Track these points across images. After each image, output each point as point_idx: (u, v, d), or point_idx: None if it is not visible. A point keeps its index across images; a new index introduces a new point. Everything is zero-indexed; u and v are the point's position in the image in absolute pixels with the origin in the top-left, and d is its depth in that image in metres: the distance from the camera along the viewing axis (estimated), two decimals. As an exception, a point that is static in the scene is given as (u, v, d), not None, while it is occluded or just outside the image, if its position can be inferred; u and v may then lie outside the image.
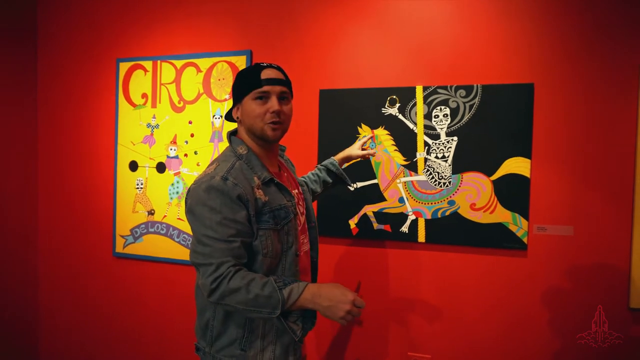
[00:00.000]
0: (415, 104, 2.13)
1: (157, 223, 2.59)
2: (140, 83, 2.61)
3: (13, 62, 2.75)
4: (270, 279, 1.27)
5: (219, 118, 2.45)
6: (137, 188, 2.63)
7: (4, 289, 2.74)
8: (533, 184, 2.00)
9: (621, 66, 1.89)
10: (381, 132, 2.18)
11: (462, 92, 2.06)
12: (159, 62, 2.56)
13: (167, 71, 2.54)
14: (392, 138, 2.17)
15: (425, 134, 2.12)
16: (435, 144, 2.11)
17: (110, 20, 2.70)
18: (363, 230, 2.22)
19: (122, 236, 2.68)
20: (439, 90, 2.09)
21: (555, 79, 1.97)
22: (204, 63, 2.46)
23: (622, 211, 1.90)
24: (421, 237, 2.14)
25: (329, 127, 2.26)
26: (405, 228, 2.16)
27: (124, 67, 2.64)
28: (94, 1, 2.73)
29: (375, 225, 2.20)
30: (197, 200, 1.30)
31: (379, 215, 2.19)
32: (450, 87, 2.08)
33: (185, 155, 2.52)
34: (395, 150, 2.17)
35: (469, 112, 2.06)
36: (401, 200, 2.16)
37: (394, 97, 2.16)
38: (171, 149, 2.55)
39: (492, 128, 2.03)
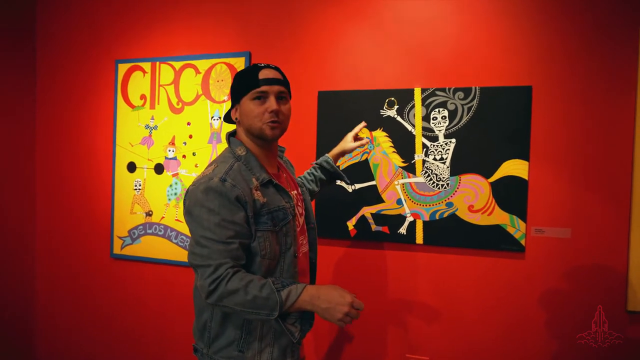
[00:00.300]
0: (413, 106, 2.14)
1: (155, 224, 2.59)
2: (138, 84, 2.61)
3: (12, 63, 2.75)
4: (268, 281, 1.27)
5: (217, 119, 2.45)
6: (135, 189, 2.63)
7: (1, 290, 2.74)
8: (531, 186, 2.00)
9: (619, 68, 1.90)
10: (379, 134, 2.18)
11: (461, 94, 2.07)
12: (157, 63, 2.56)
13: (165, 72, 2.55)
14: (390, 140, 2.17)
15: (424, 136, 2.13)
16: (434, 146, 2.11)
17: (109, 22, 2.70)
18: (361, 231, 2.22)
19: (120, 237, 2.67)
20: (438, 93, 2.10)
21: (553, 81, 1.97)
22: (203, 64, 2.47)
23: (620, 213, 1.91)
24: (419, 238, 2.14)
25: (328, 128, 2.26)
26: (403, 230, 2.16)
27: (122, 68, 2.64)
28: (93, 2, 2.74)
29: (374, 227, 2.20)
30: (195, 201, 1.30)
31: (377, 216, 2.20)
32: (449, 89, 2.08)
33: (184, 156, 2.52)
34: (394, 152, 2.17)
35: (467, 114, 2.06)
36: (399, 202, 2.16)
37: (393, 99, 2.17)
38: (169, 150, 2.55)
39: (490, 130, 2.03)
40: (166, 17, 2.57)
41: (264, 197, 1.35)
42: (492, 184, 2.03)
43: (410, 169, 2.15)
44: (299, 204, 1.53)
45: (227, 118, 1.52)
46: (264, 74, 1.38)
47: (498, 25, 2.04)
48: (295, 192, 1.55)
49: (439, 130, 2.10)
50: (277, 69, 1.42)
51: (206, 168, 1.41)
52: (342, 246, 2.29)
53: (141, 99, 2.61)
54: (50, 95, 2.85)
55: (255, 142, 1.43)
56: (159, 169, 2.58)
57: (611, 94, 1.91)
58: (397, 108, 2.16)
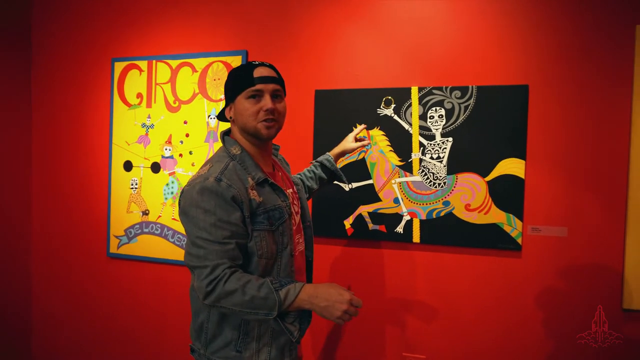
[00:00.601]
0: (410, 105, 2.13)
1: (152, 223, 2.58)
2: (135, 83, 2.60)
3: (7, 61, 2.73)
4: (266, 280, 1.27)
5: (214, 118, 2.44)
6: (132, 188, 2.62)
7: (-3, 289, 2.73)
8: (527, 185, 2.00)
9: (615, 67, 1.90)
10: (376, 133, 2.18)
11: (458, 93, 2.07)
12: (154, 61, 2.56)
13: (162, 71, 2.54)
14: (387, 139, 2.17)
15: (421, 134, 2.13)
16: (431, 144, 2.11)
17: (105, 20, 2.69)
18: (358, 230, 2.22)
19: (117, 236, 2.67)
20: (434, 91, 2.10)
21: (549, 80, 1.98)
22: (200, 63, 2.46)
23: (616, 212, 1.91)
24: (416, 237, 2.14)
25: (325, 127, 2.26)
26: (400, 228, 2.16)
27: (119, 66, 2.63)
28: (89, 0, 2.72)
29: (370, 226, 2.20)
30: (190, 201, 1.29)
31: (374, 215, 2.20)
32: (446, 88, 2.08)
33: (180, 155, 2.52)
34: (391, 150, 2.17)
35: (464, 113, 2.06)
36: (396, 200, 2.16)
37: (390, 97, 2.16)
38: (166, 149, 2.55)
39: (487, 129, 2.03)
40: (163, 15, 2.56)
41: (259, 197, 1.35)
42: (489, 183, 2.04)
43: (407, 167, 2.15)
44: (295, 202, 1.53)
45: (222, 116, 1.51)
46: (258, 72, 1.37)
47: (495, 24, 2.04)
48: (291, 190, 1.54)
49: (436, 129, 2.11)
50: (271, 66, 1.42)
51: (201, 168, 1.40)
52: (339, 245, 2.29)
53: (137, 97, 2.60)
54: (46, 93, 2.83)
55: (250, 141, 1.43)
56: (155, 167, 2.57)
57: (607, 93, 1.91)
58: (394, 107, 2.16)
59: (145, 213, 2.59)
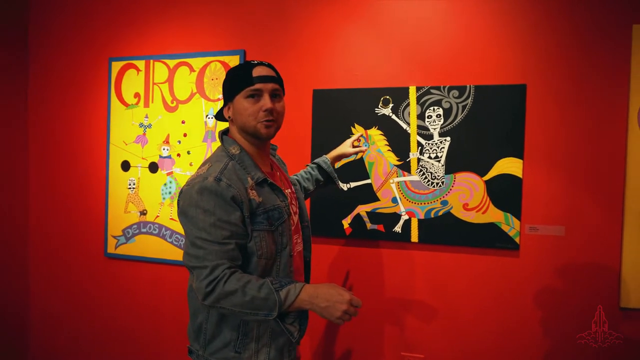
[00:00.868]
0: (408, 105, 2.14)
1: (150, 223, 2.58)
2: (132, 82, 2.59)
3: (4, 61, 2.72)
4: (266, 281, 1.26)
5: (212, 118, 2.44)
6: (130, 188, 2.62)
7: (-6, 289, 2.72)
8: (525, 184, 2.01)
9: (612, 66, 1.91)
10: (374, 133, 2.18)
11: (455, 92, 2.07)
12: (151, 61, 2.55)
13: (159, 71, 2.53)
14: (385, 138, 2.17)
15: (419, 134, 2.13)
16: (428, 144, 2.12)
17: (102, 19, 2.68)
18: (356, 230, 2.22)
19: (114, 236, 2.66)
20: (432, 91, 2.10)
21: (547, 79, 1.98)
22: (197, 63, 2.45)
23: (613, 211, 1.92)
24: (414, 237, 2.14)
25: (322, 127, 2.26)
26: (398, 228, 2.16)
27: (116, 66, 2.62)
28: (86, 0, 2.71)
29: (369, 225, 2.20)
30: (189, 201, 1.28)
31: (372, 215, 2.20)
32: (444, 87, 2.09)
33: (178, 155, 2.51)
34: (389, 150, 2.17)
35: (461, 113, 2.07)
36: (394, 200, 2.17)
37: (387, 97, 2.16)
38: (164, 149, 2.54)
39: (485, 128, 2.04)
40: (160, 15, 2.55)
41: (259, 197, 1.34)
42: (487, 182, 2.04)
43: (405, 167, 2.15)
44: (293, 202, 1.53)
45: (219, 116, 1.50)
46: (257, 72, 1.36)
47: (492, 23, 2.04)
48: (289, 190, 1.54)
49: (434, 129, 2.11)
50: (270, 65, 1.41)
51: (200, 168, 1.39)
52: (337, 245, 2.29)
53: (135, 97, 2.59)
54: (44, 93, 2.82)
55: (249, 141, 1.42)
56: (153, 167, 2.57)
57: (605, 92, 1.92)
58: (392, 106, 2.16)
59: (143, 213, 2.59)
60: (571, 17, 1.95)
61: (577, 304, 1.96)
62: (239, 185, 1.31)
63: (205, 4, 2.46)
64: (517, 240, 2.01)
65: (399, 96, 2.15)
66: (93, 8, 2.70)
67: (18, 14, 2.80)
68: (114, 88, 2.63)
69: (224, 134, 1.48)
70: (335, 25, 2.25)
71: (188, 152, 2.49)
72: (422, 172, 2.13)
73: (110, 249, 2.67)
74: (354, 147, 2.04)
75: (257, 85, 1.35)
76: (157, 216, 2.56)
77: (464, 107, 2.06)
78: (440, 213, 2.10)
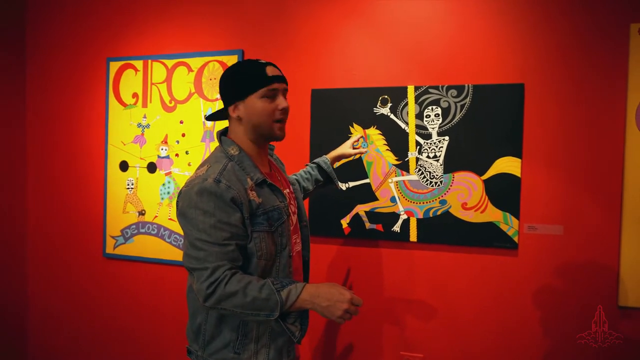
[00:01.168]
0: (406, 104, 2.14)
1: (148, 223, 2.58)
2: (130, 82, 2.59)
3: (2, 61, 2.72)
4: (267, 281, 1.26)
5: (207, 120, 2.43)
6: (128, 188, 2.61)
7: (-8, 290, 2.72)
8: (524, 183, 2.01)
9: (610, 66, 1.91)
10: (373, 132, 2.18)
11: (454, 92, 2.07)
12: (149, 61, 2.55)
13: (158, 71, 2.53)
14: (383, 138, 2.17)
15: (417, 133, 2.13)
16: (427, 143, 2.12)
17: (100, 20, 2.67)
18: (355, 229, 2.23)
19: (113, 237, 2.66)
20: (431, 90, 2.10)
21: (545, 79, 1.98)
22: (195, 62, 2.45)
23: (611, 210, 1.92)
24: (413, 236, 2.14)
25: (321, 127, 2.26)
26: (397, 227, 2.16)
27: (114, 66, 2.62)
28: (84, 0, 2.70)
29: (367, 225, 2.20)
30: (189, 203, 1.28)
31: (371, 214, 2.20)
32: (442, 87, 2.09)
33: (177, 155, 2.51)
34: (387, 149, 2.17)
35: (460, 112, 2.07)
36: (393, 199, 2.17)
37: (386, 96, 2.16)
38: (162, 149, 2.54)
39: (483, 128, 2.04)
40: (158, 14, 2.55)
41: (259, 198, 1.34)
42: (485, 182, 2.04)
43: (403, 166, 2.15)
44: (292, 202, 1.53)
45: (215, 117, 1.48)
46: (271, 71, 1.36)
47: (491, 23, 2.04)
48: (288, 190, 1.54)
49: (432, 128, 2.11)
50: (276, 66, 1.42)
51: (198, 169, 1.38)
52: (336, 244, 2.29)
53: (133, 97, 2.59)
54: (42, 93, 2.82)
55: (255, 141, 1.41)
56: (151, 167, 2.57)
57: (603, 91, 1.92)
58: (391, 106, 2.16)
59: (142, 213, 2.59)
60: (569, 16, 1.95)
61: (576, 304, 1.97)
62: (239, 186, 1.30)
63: (203, 3, 2.45)
64: (515, 239, 2.01)
65: (397, 96, 2.15)
66: (91, 8, 2.69)
67: (16, 14, 2.79)
68: (112, 88, 2.62)
69: (222, 134, 1.46)
70: (334, 25, 2.25)
71: (186, 152, 2.49)
72: (420, 172, 2.13)
73: (109, 249, 2.67)
74: (353, 148, 2.06)
75: (275, 85, 1.35)
76: (156, 216, 2.56)
77: (462, 106, 2.06)
78: (439, 212, 2.10)
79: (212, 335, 1.36)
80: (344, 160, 2.19)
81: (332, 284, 1.30)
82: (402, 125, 2.15)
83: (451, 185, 2.09)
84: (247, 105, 1.37)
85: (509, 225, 2.01)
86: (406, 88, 2.13)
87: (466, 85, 2.06)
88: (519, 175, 2.00)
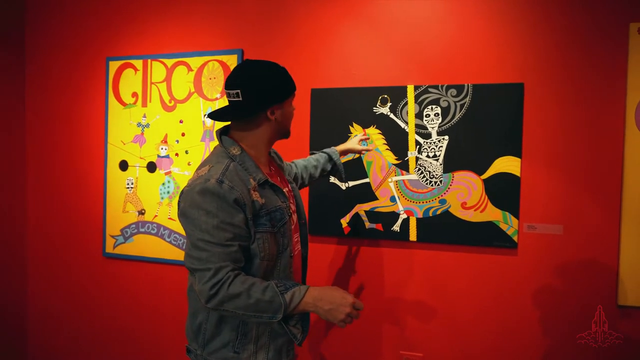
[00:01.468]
0: (406, 103, 2.14)
1: (148, 223, 2.58)
2: (130, 82, 2.59)
3: (2, 61, 2.71)
4: (271, 283, 1.26)
5: (208, 118, 2.43)
6: (128, 188, 2.61)
7: (-8, 290, 2.72)
8: (523, 182, 2.01)
9: (610, 65, 1.91)
10: (373, 132, 2.18)
11: (453, 91, 2.07)
12: (149, 61, 2.55)
13: (157, 70, 2.53)
14: (383, 137, 2.17)
15: (417, 133, 2.13)
16: (427, 143, 2.12)
17: (100, 19, 2.67)
18: (355, 229, 2.23)
19: (113, 236, 2.66)
20: (430, 90, 2.10)
21: (544, 78, 1.98)
22: (195, 62, 2.45)
23: (611, 209, 1.92)
24: (412, 236, 2.14)
25: (321, 126, 2.26)
26: (396, 227, 2.16)
27: (113, 65, 2.62)
28: (83, 0, 2.71)
29: (367, 224, 2.20)
30: (191, 203, 1.27)
31: (371, 214, 2.20)
32: (441, 86, 2.09)
33: (176, 154, 2.51)
34: (387, 149, 2.17)
35: (459, 112, 2.07)
36: (393, 199, 2.17)
37: (386, 96, 2.16)
38: (162, 149, 2.54)
39: (483, 127, 2.04)
40: (158, 14, 2.55)
41: (262, 198, 1.33)
42: (485, 181, 2.04)
43: (403, 166, 2.15)
44: (291, 200, 1.53)
45: (218, 116, 1.40)
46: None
47: (490, 22, 2.04)
48: (287, 189, 1.53)
49: (432, 128, 2.11)
50: None
51: (200, 168, 1.36)
52: (335, 244, 2.29)
53: (133, 96, 2.59)
54: (41, 93, 2.82)
55: (272, 142, 1.47)
56: (151, 167, 2.57)
57: (602, 91, 1.92)
58: (390, 105, 2.16)
59: (142, 213, 2.59)
60: (568, 16, 1.95)
61: (577, 303, 1.97)
62: (242, 187, 1.29)
63: (203, 3, 2.46)
64: (515, 238, 2.01)
65: (397, 95, 2.15)
66: (90, 8, 2.69)
67: (15, 14, 2.79)
68: (112, 87, 2.62)
69: (222, 133, 1.44)
70: (333, 24, 2.25)
71: (186, 152, 2.49)
72: (420, 171, 2.13)
73: (109, 249, 2.67)
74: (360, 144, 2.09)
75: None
76: (156, 216, 2.56)
77: (462, 105, 2.06)
78: (439, 212, 2.10)
79: (212, 334, 1.36)
80: (348, 157, 2.20)
81: (335, 287, 1.31)
82: (402, 125, 2.15)
83: (451, 185, 2.09)
84: (283, 108, 1.41)
85: (509, 224, 2.01)
86: (406, 87, 2.13)
87: (466, 84, 2.06)
88: (518, 174, 2.00)
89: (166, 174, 2.53)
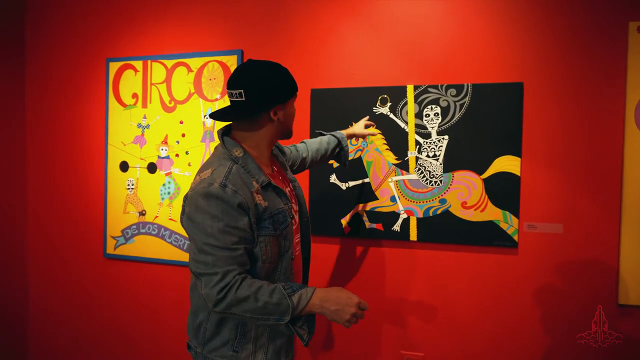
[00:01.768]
0: (406, 103, 2.14)
1: (149, 224, 2.58)
2: (130, 83, 2.59)
3: (1, 62, 2.72)
4: (278, 286, 1.27)
5: (210, 118, 2.43)
6: (128, 189, 2.62)
7: (-7, 291, 2.72)
8: (523, 182, 2.01)
9: (609, 64, 1.91)
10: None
11: (453, 91, 2.08)
12: (149, 61, 2.55)
13: (157, 71, 2.53)
14: (383, 137, 2.18)
15: (417, 132, 2.13)
16: (427, 142, 2.12)
17: (100, 20, 2.67)
18: (355, 229, 2.23)
19: (113, 237, 2.66)
20: (430, 90, 2.10)
21: (544, 77, 1.98)
22: (195, 63, 2.45)
23: (611, 209, 1.92)
24: (413, 235, 2.14)
25: (321, 126, 2.26)
26: (397, 227, 2.16)
27: (114, 67, 2.62)
28: (83, 0, 2.71)
29: (367, 224, 2.21)
30: (195, 207, 1.26)
31: (371, 214, 2.20)
32: (441, 86, 2.09)
33: (177, 155, 2.51)
34: (387, 149, 2.17)
35: (459, 111, 2.07)
36: (393, 199, 2.17)
37: (385, 96, 2.17)
38: (162, 149, 2.54)
39: (483, 127, 2.04)
40: (157, 15, 2.55)
41: (265, 201, 1.33)
42: (485, 181, 2.04)
43: (403, 166, 2.15)
44: (293, 201, 1.52)
45: (220, 116, 1.40)
46: None
47: (490, 22, 2.04)
48: (289, 189, 1.53)
49: (432, 127, 2.11)
50: None
51: (202, 171, 1.35)
52: (336, 244, 2.29)
53: (133, 97, 2.59)
54: (41, 94, 2.82)
55: (274, 142, 1.46)
56: (151, 168, 2.57)
57: (602, 90, 1.92)
58: (390, 105, 2.16)
59: (142, 213, 2.59)
60: (568, 15, 1.95)
61: (577, 303, 1.97)
62: (245, 190, 1.28)
63: (202, 4, 2.46)
64: (515, 238, 2.01)
65: (396, 95, 2.15)
66: (90, 9, 2.69)
67: (15, 14, 2.79)
68: (112, 88, 2.63)
69: (224, 134, 1.43)
70: (333, 24, 2.25)
71: (186, 153, 2.49)
72: (420, 171, 2.13)
73: (110, 250, 2.67)
74: (366, 128, 2.06)
75: None
76: (156, 217, 2.56)
77: (461, 105, 2.07)
78: (439, 211, 2.11)
79: (212, 333, 1.37)
80: (349, 158, 2.19)
81: (340, 288, 1.32)
82: (402, 125, 2.15)
83: (451, 184, 2.09)
84: (287, 109, 1.41)
85: (509, 224, 2.02)
86: (405, 87, 2.14)
87: (465, 84, 2.06)
88: (518, 173, 2.00)
89: (167, 174, 2.54)
